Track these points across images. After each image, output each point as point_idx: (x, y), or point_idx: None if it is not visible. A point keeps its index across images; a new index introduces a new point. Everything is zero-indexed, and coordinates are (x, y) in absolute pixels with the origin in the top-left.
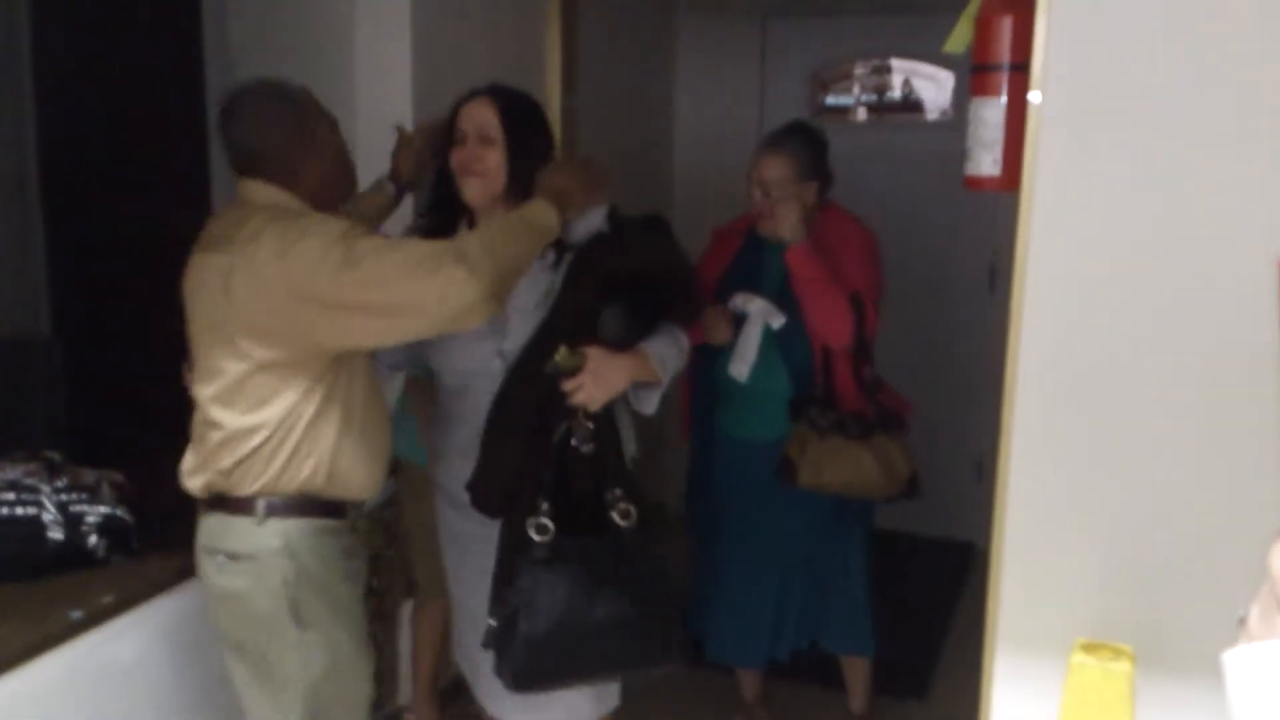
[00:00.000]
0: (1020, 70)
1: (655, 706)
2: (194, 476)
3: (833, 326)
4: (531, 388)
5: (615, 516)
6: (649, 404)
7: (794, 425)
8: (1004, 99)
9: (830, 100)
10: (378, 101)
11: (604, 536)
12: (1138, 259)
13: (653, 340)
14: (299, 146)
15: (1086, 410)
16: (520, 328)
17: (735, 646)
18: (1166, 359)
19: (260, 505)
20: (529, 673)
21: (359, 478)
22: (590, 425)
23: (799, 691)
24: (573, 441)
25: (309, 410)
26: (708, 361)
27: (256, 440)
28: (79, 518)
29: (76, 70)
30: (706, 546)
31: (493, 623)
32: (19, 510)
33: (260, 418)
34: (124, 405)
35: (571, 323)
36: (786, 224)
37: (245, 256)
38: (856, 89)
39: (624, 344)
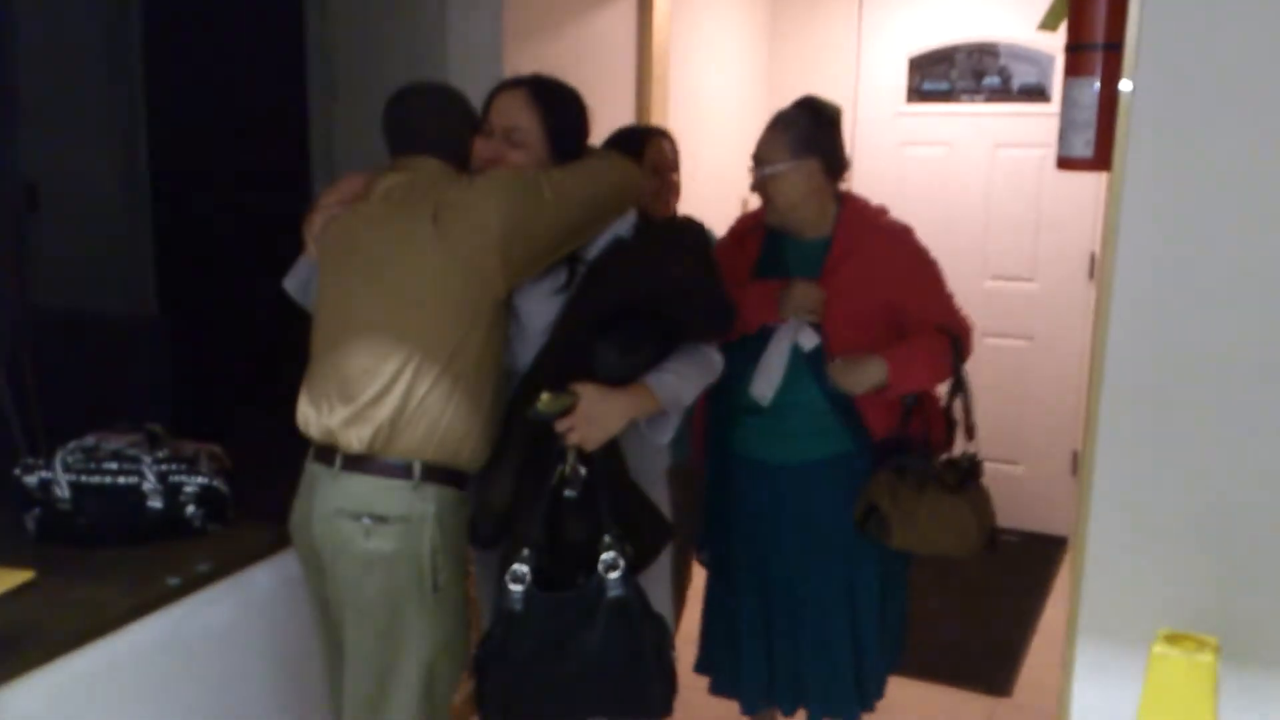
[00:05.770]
0: (1115, 50)
1: None
2: (350, 429)
3: (940, 379)
4: (524, 422)
5: (601, 569)
6: (662, 433)
7: (876, 471)
8: (1097, 80)
9: (928, 85)
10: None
11: (583, 588)
12: (1231, 244)
13: (662, 368)
14: (463, 136)
15: (1174, 398)
16: (530, 352)
17: (736, 685)
18: (1258, 346)
19: (417, 468)
20: (504, 710)
21: (481, 450)
22: (582, 470)
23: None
24: (564, 491)
25: (469, 372)
26: (726, 377)
27: (419, 394)
28: (178, 488)
29: (184, 64)
30: (717, 579)
31: (475, 652)
32: (121, 479)
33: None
34: (224, 381)
35: (557, 359)
36: (861, 380)
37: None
38: (955, 73)
39: (623, 378)
